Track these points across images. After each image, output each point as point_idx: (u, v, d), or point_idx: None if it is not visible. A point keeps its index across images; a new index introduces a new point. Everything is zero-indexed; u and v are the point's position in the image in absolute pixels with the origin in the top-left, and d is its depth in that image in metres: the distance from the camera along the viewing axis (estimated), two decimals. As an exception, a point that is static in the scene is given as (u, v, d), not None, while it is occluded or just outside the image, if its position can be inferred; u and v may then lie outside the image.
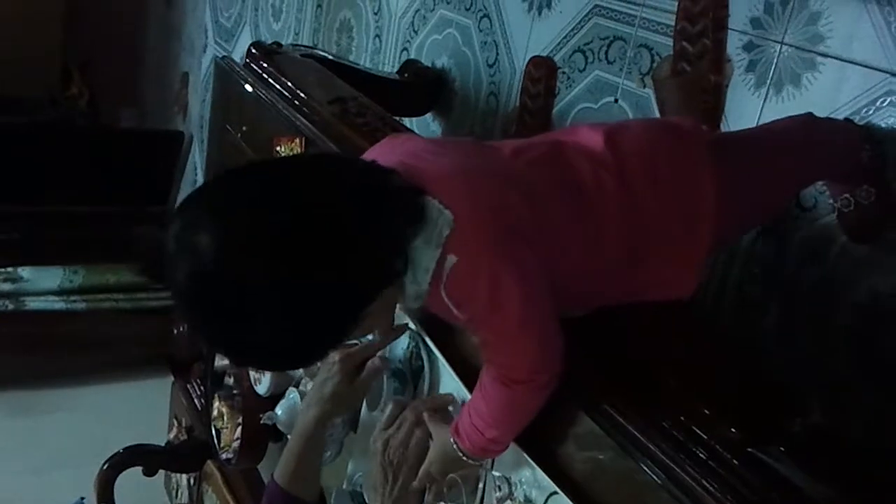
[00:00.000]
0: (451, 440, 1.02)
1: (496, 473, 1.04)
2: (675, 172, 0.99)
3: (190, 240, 0.77)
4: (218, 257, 0.76)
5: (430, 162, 0.91)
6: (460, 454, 1.01)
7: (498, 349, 0.93)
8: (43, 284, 3.05)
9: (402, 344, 1.26)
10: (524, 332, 0.89)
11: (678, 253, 0.98)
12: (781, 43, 1.39)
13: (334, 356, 1.22)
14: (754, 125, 1.42)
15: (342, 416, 1.31)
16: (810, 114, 1.28)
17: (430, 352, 1.19)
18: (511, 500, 1.03)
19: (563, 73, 1.82)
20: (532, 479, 0.99)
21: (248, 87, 1.79)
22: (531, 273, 0.88)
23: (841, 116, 1.30)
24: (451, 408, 1.12)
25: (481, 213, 0.86)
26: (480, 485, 1.07)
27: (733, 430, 0.81)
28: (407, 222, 0.83)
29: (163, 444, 2.31)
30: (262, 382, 1.58)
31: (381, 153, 0.94)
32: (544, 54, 1.87)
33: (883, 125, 1.26)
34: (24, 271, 3.04)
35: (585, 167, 0.96)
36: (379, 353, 1.22)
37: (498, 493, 1.03)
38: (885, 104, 1.25)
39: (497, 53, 2.03)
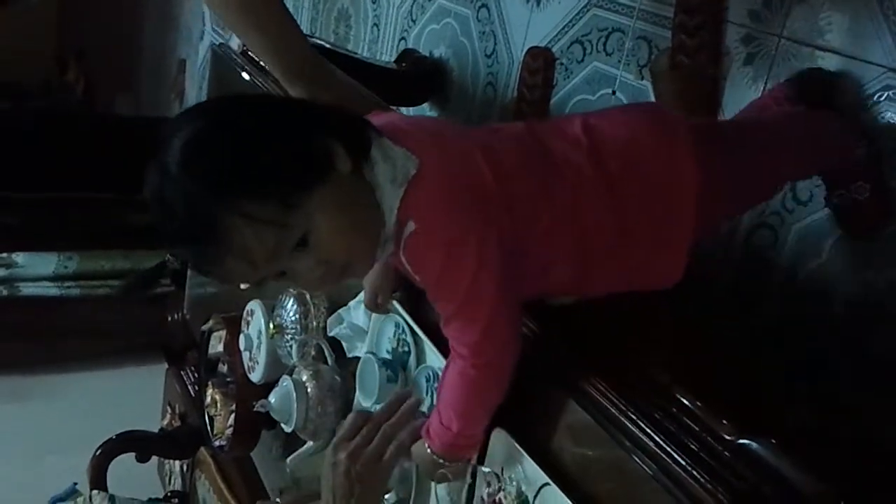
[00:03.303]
0: (425, 444, 1.02)
1: (486, 469, 1.03)
2: (655, 154, 0.99)
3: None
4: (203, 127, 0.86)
5: (407, 123, 0.96)
6: (434, 457, 1.01)
7: (448, 319, 0.94)
8: (37, 270, 3.04)
9: (387, 335, 1.27)
10: (472, 303, 0.90)
11: (662, 234, 0.98)
12: (780, 36, 1.39)
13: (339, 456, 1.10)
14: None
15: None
16: (805, 104, 1.28)
17: (415, 336, 1.20)
18: (503, 493, 1.03)
19: (561, 64, 1.82)
20: (522, 473, 0.99)
21: (245, 76, 1.79)
22: (489, 246, 0.88)
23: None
24: (423, 408, 1.11)
25: (446, 170, 0.89)
26: (470, 481, 1.07)
27: (725, 421, 0.81)
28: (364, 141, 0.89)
29: (156, 431, 2.32)
30: (256, 370, 1.58)
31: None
32: (542, 45, 1.87)
33: (880, 120, 1.26)
34: (19, 257, 3.03)
35: (557, 146, 0.97)
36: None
37: (488, 489, 1.03)
38: (882, 99, 1.25)
39: (495, 44, 2.03)
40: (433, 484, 1.12)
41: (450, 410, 0.97)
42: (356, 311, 1.34)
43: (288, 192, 0.82)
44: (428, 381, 1.17)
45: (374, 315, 1.28)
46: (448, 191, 0.88)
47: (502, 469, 1.02)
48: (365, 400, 1.27)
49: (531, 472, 0.97)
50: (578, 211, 0.94)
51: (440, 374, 1.06)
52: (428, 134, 0.93)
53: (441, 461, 1.01)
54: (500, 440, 1.02)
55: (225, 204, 0.81)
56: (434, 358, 1.15)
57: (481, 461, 1.04)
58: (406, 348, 1.23)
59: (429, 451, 1.01)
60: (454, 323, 0.94)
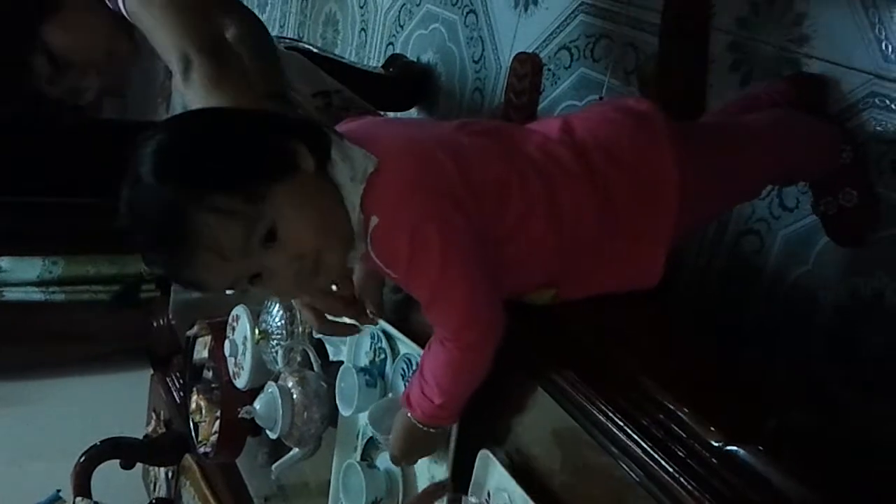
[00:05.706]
0: (405, 411, 1.02)
1: (473, 500, 1.03)
2: (634, 150, 1.00)
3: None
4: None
5: (372, 129, 0.98)
6: (415, 423, 1.02)
7: (427, 306, 0.96)
8: (22, 275, 3.02)
9: (364, 349, 1.28)
10: (446, 285, 0.91)
11: (644, 224, 1.00)
12: (766, 43, 1.40)
13: None
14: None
15: None
16: (788, 108, 1.28)
17: (391, 341, 1.21)
18: None
19: (549, 69, 1.82)
20: (507, 499, 0.98)
21: (232, 79, 1.77)
22: (454, 230, 0.90)
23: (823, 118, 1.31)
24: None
25: (406, 165, 0.91)
26: None
27: (712, 428, 0.81)
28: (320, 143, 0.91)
29: (141, 437, 2.30)
30: (241, 376, 1.57)
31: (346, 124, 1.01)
32: (530, 51, 1.87)
33: (866, 126, 1.26)
34: (3, 262, 3.01)
35: (534, 140, 0.99)
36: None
37: None
38: (868, 106, 1.26)
39: (483, 49, 2.03)
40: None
41: (433, 384, 0.98)
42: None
43: (252, 185, 0.85)
44: (403, 375, 1.17)
45: None
46: (407, 183, 0.90)
47: (489, 494, 1.01)
48: (345, 409, 1.26)
49: (514, 496, 0.96)
50: (555, 195, 0.96)
51: (417, 360, 1.07)
52: (392, 137, 0.96)
53: (421, 427, 1.02)
54: (484, 463, 1.01)
55: (192, 199, 0.83)
56: (408, 349, 1.16)
57: (465, 490, 1.03)
58: (383, 356, 1.23)
59: (409, 417, 1.02)
60: (434, 308, 0.95)
